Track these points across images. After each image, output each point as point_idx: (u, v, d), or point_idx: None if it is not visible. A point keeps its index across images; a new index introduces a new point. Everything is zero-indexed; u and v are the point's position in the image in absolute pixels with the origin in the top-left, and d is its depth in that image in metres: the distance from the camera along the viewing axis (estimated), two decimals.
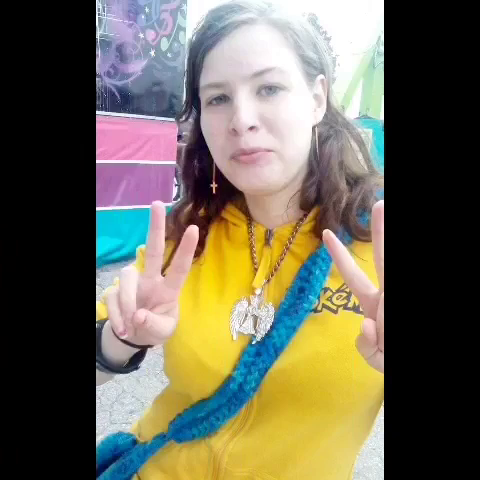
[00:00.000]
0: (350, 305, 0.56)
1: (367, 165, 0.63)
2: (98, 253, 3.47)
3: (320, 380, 0.54)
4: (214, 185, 0.64)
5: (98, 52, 3.40)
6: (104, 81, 3.51)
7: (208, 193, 0.65)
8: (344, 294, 0.56)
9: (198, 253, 0.65)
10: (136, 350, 0.57)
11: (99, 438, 0.72)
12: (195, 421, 0.62)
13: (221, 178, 0.61)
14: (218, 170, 0.61)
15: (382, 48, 7.89)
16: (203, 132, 0.60)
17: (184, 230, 0.44)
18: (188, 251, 0.45)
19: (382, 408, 0.62)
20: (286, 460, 0.60)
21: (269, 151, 0.54)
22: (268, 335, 0.57)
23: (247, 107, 0.53)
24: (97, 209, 3.01)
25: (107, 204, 3.70)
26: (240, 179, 0.57)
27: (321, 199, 0.59)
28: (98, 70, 3.40)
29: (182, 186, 0.71)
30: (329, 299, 0.57)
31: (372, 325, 0.39)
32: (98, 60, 3.41)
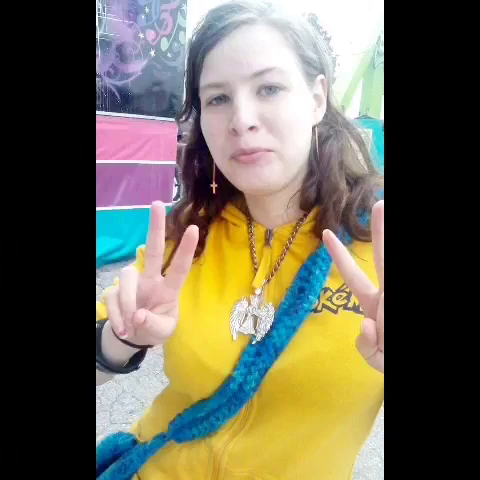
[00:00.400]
0: (350, 305, 0.56)
1: (367, 165, 0.63)
2: (98, 253, 3.47)
3: (320, 380, 0.54)
4: (214, 185, 0.64)
5: (98, 52, 3.40)
6: (104, 81, 3.51)
7: (208, 193, 0.65)
8: (344, 294, 0.56)
9: (198, 253, 0.65)
10: (136, 350, 0.57)
11: (99, 438, 0.72)
12: (195, 421, 0.62)
13: (221, 178, 0.61)
14: (218, 170, 0.61)
15: (382, 48, 7.89)
16: (203, 132, 0.60)
17: (184, 230, 0.44)
18: (188, 251, 0.45)
19: (382, 408, 0.62)
20: (286, 460, 0.60)
21: (269, 151, 0.54)
22: (268, 335, 0.57)
23: (247, 107, 0.53)
24: (97, 209, 3.01)
25: (107, 204, 3.70)
26: (240, 179, 0.57)
27: (321, 199, 0.59)
28: (98, 70, 3.40)
29: (182, 186, 0.71)
30: (329, 299, 0.57)
31: (372, 325, 0.39)
32: (98, 60, 3.41)
